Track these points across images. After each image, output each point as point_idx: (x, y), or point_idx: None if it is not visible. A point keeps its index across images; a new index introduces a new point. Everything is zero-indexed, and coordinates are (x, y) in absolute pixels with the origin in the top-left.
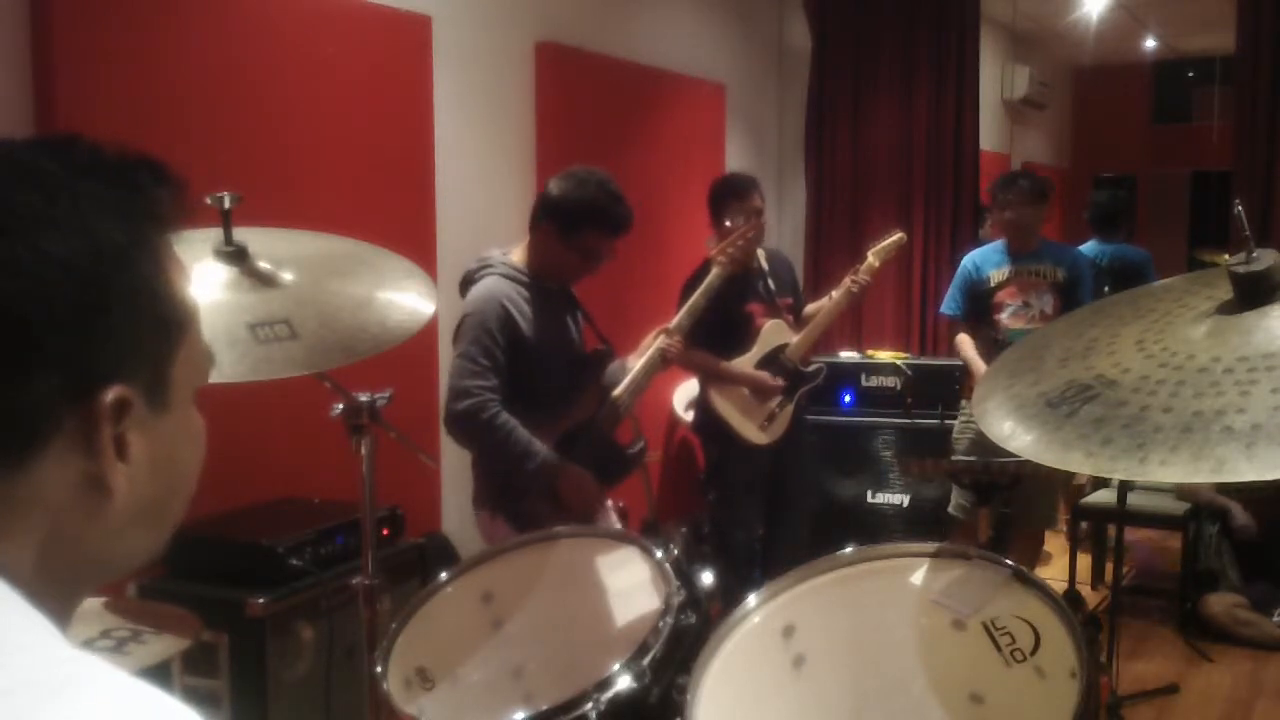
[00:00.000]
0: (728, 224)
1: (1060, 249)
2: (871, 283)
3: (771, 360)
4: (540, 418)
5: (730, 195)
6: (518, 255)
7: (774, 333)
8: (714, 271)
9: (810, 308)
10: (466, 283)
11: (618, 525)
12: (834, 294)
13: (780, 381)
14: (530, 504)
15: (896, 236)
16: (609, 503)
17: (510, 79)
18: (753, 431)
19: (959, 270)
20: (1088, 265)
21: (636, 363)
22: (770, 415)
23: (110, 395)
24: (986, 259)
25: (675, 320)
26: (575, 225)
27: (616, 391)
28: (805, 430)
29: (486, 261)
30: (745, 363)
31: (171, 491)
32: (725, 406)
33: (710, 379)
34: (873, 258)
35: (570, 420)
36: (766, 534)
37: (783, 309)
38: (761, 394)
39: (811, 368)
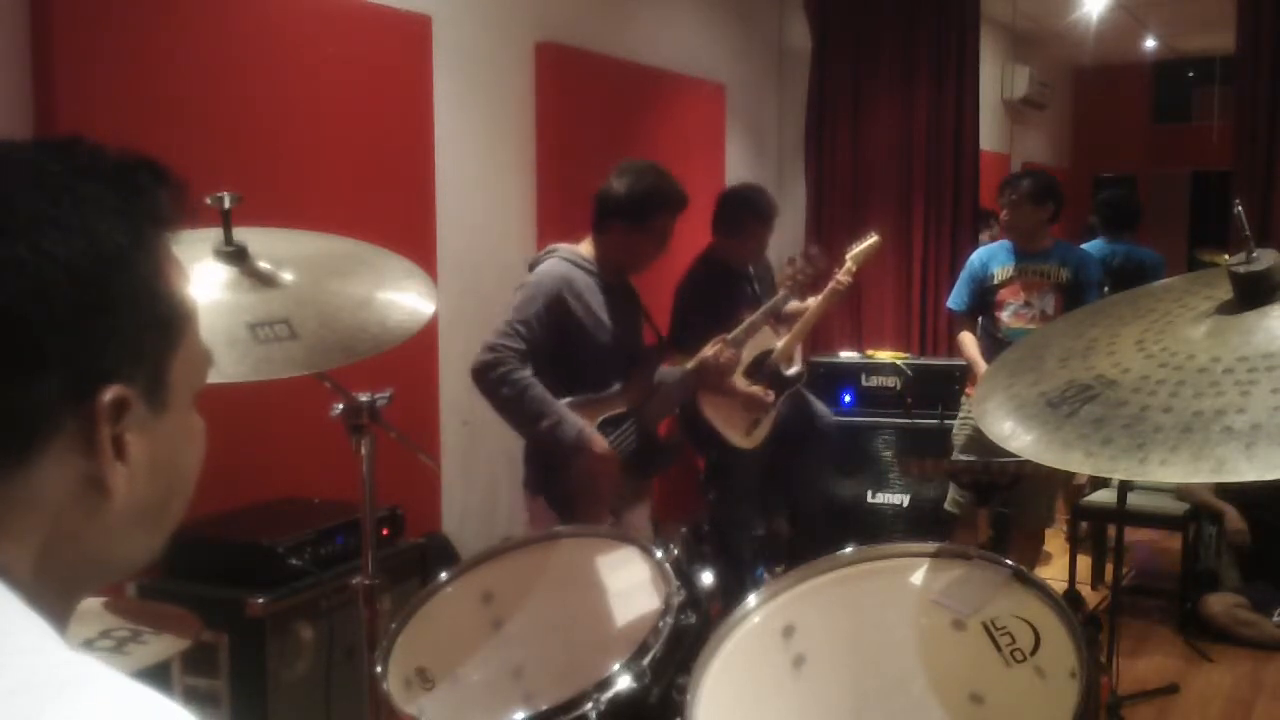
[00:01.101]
0: (805, 250)
1: (1069, 250)
2: (852, 284)
3: (759, 365)
4: (586, 399)
5: (754, 216)
6: (585, 249)
7: (760, 337)
8: (781, 294)
9: (793, 307)
10: (533, 265)
11: (644, 524)
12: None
13: (772, 396)
14: (567, 486)
15: (872, 240)
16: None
17: (510, 79)
18: (740, 437)
19: (966, 264)
20: (1096, 267)
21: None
22: (756, 421)
23: (109, 395)
24: (994, 256)
25: (734, 333)
26: (646, 212)
27: (690, 364)
28: (823, 429)
29: (553, 248)
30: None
31: (171, 492)
32: (715, 414)
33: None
34: (850, 261)
35: (614, 408)
36: (791, 527)
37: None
38: (753, 406)
39: (792, 371)
